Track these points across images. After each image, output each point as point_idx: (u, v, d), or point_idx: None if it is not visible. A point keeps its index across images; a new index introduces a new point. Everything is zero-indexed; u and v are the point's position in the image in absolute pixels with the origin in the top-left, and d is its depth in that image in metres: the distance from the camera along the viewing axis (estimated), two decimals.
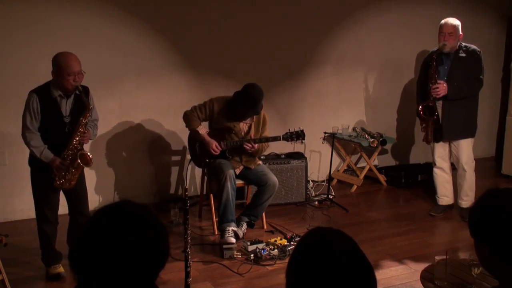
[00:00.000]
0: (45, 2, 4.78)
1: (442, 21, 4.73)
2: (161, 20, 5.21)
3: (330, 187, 5.60)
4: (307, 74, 5.96)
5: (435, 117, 4.72)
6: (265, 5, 5.62)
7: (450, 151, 4.91)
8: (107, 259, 1.40)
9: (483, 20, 6.70)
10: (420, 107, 4.75)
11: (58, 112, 3.62)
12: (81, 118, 3.61)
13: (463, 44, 4.76)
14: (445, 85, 4.63)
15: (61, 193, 3.85)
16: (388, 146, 6.10)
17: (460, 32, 4.69)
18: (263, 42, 5.65)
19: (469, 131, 4.83)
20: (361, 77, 6.24)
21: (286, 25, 5.74)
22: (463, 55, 4.71)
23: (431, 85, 4.67)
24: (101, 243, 1.41)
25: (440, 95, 4.65)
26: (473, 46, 4.76)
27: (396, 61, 6.33)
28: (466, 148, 4.82)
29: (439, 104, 4.76)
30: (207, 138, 4.46)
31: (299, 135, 4.46)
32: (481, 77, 4.74)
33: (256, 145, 4.40)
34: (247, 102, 4.33)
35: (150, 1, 5.15)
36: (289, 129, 4.52)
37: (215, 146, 4.42)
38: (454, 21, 4.70)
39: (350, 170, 6.19)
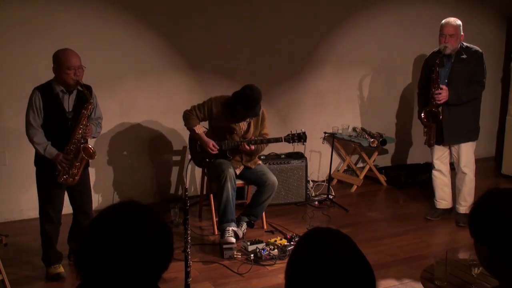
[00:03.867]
0: (45, 1, 4.77)
1: (443, 22, 4.57)
2: (162, 20, 5.21)
3: (330, 187, 5.60)
4: (307, 74, 5.96)
5: (440, 123, 4.57)
6: (265, 6, 5.62)
7: (450, 153, 4.80)
8: (111, 259, 1.41)
9: (483, 20, 6.70)
10: (423, 113, 4.62)
11: (60, 108, 3.64)
12: (83, 111, 3.62)
13: (465, 44, 4.60)
14: (447, 91, 4.47)
15: (65, 193, 3.85)
16: (388, 146, 6.10)
17: (462, 33, 4.55)
18: (263, 42, 5.65)
19: (470, 135, 4.69)
20: (361, 77, 6.23)
21: (286, 25, 5.74)
22: (464, 56, 4.54)
23: (433, 90, 4.52)
24: (105, 242, 1.42)
25: (442, 101, 4.50)
26: (475, 47, 4.60)
27: (396, 61, 6.33)
28: (466, 151, 4.69)
29: (439, 108, 4.62)
30: (204, 138, 4.47)
31: (300, 137, 4.47)
32: (482, 79, 4.60)
33: (252, 147, 4.40)
34: (245, 104, 4.30)
35: (151, 2, 5.15)
36: (290, 131, 4.52)
37: (212, 145, 4.42)
38: (455, 21, 4.54)
39: (350, 170, 6.19)
